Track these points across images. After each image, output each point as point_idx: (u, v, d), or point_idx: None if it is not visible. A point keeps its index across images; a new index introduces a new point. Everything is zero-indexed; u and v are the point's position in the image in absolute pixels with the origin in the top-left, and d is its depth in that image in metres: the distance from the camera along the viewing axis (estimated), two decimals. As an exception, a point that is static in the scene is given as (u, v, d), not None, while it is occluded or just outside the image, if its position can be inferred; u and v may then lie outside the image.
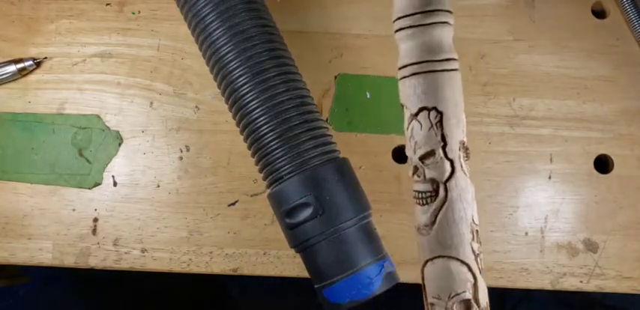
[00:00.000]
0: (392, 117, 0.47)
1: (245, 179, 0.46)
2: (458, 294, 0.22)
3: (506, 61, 0.49)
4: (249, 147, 0.40)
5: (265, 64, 0.38)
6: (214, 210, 0.46)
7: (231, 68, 0.38)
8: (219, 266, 0.45)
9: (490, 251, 0.46)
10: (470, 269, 0.22)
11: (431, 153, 0.24)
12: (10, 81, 0.48)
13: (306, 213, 0.36)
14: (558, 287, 0.46)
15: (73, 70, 0.48)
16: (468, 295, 0.22)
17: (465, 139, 0.24)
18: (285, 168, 0.37)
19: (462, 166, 0.23)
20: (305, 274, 0.40)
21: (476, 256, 0.22)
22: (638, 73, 0.49)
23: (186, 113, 0.47)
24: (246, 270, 0.45)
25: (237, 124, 0.40)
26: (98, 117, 0.47)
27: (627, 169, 0.47)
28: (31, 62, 0.47)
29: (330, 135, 0.40)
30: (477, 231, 0.23)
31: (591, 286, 0.46)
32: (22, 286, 0.92)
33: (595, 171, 0.47)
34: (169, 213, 0.46)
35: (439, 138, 0.24)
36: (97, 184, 0.46)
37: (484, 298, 0.22)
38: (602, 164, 0.48)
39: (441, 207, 0.23)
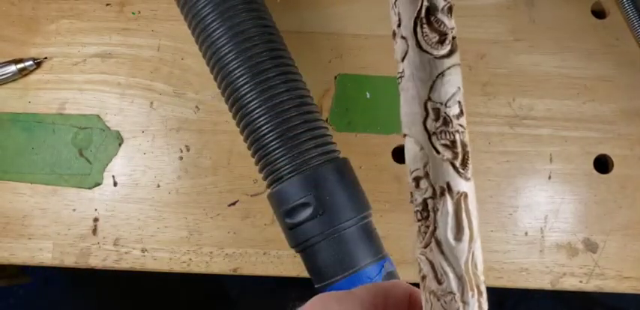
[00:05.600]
0: (392, 117, 0.47)
1: (245, 179, 0.46)
2: (412, 171, 0.22)
3: (506, 61, 0.49)
4: (249, 147, 0.40)
5: (265, 64, 0.38)
6: (214, 210, 0.46)
7: (231, 68, 0.38)
8: (219, 266, 0.45)
9: (490, 251, 0.46)
10: (422, 149, 0.22)
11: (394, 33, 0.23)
12: (10, 82, 0.48)
13: (306, 213, 0.36)
14: (558, 287, 0.46)
15: (73, 70, 0.48)
16: (420, 173, 0.22)
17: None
18: (285, 168, 0.37)
19: (418, 43, 0.23)
20: (305, 274, 0.40)
21: (430, 135, 0.22)
22: (638, 73, 0.49)
23: (186, 113, 0.47)
24: (246, 270, 0.45)
25: (238, 124, 0.40)
26: (98, 117, 0.47)
27: (627, 169, 0.47)
28: (31, 62, 0.47)
29: (330, 135, 0.40)
30: (435, 109, 0.23)
31: (591, 286, 0.46)
32: (22, 286, 0.92)
33: (595, 171, 0.47)
34: (169, 213, 0.46)
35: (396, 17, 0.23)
36: (97, 184, 0.46)
37: (437, 178, 0.22)
38: (602, 164, 0.48)
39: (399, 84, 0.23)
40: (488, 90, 0.48)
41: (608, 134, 0.48)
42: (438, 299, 0.22)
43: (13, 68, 0.47)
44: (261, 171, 0.40)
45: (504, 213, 0.47)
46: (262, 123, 0.38)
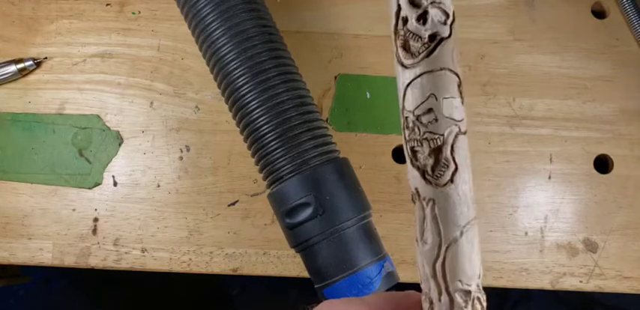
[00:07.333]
0: (392, 117, 0.47)
1: (245, 179, 0.46)
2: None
3: (506, 61, 0.49)
4: (249, 147, 0.40)
5: (265, 64, 0.38)
6: (214, 210, 0.46)
7: (231, 68, 0.38)
8: (219, 266, 0.45)
9: (490, 251, 0.46)
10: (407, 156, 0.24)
11: None
12: (10, 82, 0.48)
13: (306, 212, 0.36)
14: (558, 287, 0.46)
15: (73, 70, 0.48)
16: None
17: None
18: (285, 168, 0.37)
19: (397, 54, 0.24)
20: (305, 274, 0.40)
21: (406, 142, 0.24)
22: (638, 73, 0.49)
23: (186, 113, 0.47)
24: (246, 270, 0.45)
25: (238, 124, 0.40)
26: (98, 117, 0.47)
27: (627, 169, 0.47)
28: (31, 62, 0.47)
29: (330, 135, 0.40)
30: (406, 117, 0.23)
31: (591, 286, 0.46)
32: (22, 286, 0.92)
33: (595, 171, 0.47)
34: (169, 213, 0.46)
35: None
36: (97, 184, 0.46)
37: (410, 184, 0.24)
38: (602, 164, 0.48)
39: None
40: (488, 90, 0.48)
41: (608, 134, 0.48)
42: (424, 296, 0.22)
43: (13, 68, 0.47)
44: (261, 171, 0.40)
45: (504, 213, 0.47)
46: (262, 123, 0.38)
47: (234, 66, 0.38)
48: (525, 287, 0.46)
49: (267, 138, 0.38)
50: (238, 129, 0.40)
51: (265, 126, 0.37)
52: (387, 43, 0.49)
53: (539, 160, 0.47)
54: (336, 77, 0.48)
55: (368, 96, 0.48)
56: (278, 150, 0.37)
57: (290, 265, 0.45)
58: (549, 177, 0.47)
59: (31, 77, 0.48)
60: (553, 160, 0.47)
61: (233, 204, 0.46)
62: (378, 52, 0.49)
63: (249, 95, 0.38)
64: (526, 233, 0.46)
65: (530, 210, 0.47)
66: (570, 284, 0.46)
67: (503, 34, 0.49)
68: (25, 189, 0.46)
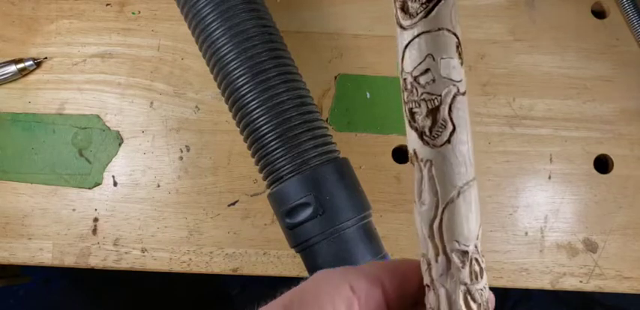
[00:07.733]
0: (392, 117, 0.47)
1: (245, 179, 0.46)
2: None
3: (506, 61, 0.49)
4: (249, 147, 0.40)
5: (265, 64, 0.38)
6: (214, 210, 0.46)
7: (231, 68, 0.38)
8: (219, 266, 0.45)
9: (490, 251, 0.46)
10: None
11: None
12: (10, 82, 0.48)
13: (306, 212, 0.36)
14: (558, 287, 0.46)
15: (73, 70, 0.48)
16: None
17: None
18: (285, 168, 0.37)
19: (396, 16, 0.23)
20: (305, 274, 0.40)
21: (405, 103, 0.23)
22: (638, 73, 0.49)
23: (186, 113, 0.47)
24: (246, 270, 0.45)
25: (238, 124, 0.40)
26: (98, 117, 0.47)
27: (627, 169, 0.47)
28: (31, 62, 0.47)
29: (330, 135, 0.40)
30: (404, 79, 0.24)
31: (591, 286, 0.46)
32: (22, 286, 0.92)
33: (595, 171, 0.47)
34: (169, 213, 0.46)
35: None
36: (97, 184, 0.46)
37: (409, 145, 0.24)
38: (602, 164, 0.48)
39: None
40: (489, 90, 0.48)
41: (608, 134, 0.48)
42: (422, 258, 0.22)
43: (13, 68, 0.47)
44: (261, 171, 0.40)
45: (504, 213, 0.47)
46: (262, 123, 0.38)
47: (234, 66, 0.38)
48: (525, 287, 0.46)
49: (267, 138, 0.38)
50: (238, 129, 0.40)
51: (265, 126, 0.37)
52: (387, 42, 0.49)
53: (539, 160, 0.47)
54: (336, 77, 0.48)
55: (368, 96, 0.48)
56: (278, 150, 0.37)
57: (290, 265, 0.45)
58: (549, 177, 0.47)
59: (31, 77, 0.48)
60: (553, 160, 0.47)
61: (233, 204, 0.46)
62: (378, 52, 0.49)
63: (249, 95, 0.38)
64: (526, 234, 0.46)
65: (530, 210, 0.47)
66: (570, 284, 0.46)
67: (503, 34, 0.49)
68: (25, 189, 0.46)
